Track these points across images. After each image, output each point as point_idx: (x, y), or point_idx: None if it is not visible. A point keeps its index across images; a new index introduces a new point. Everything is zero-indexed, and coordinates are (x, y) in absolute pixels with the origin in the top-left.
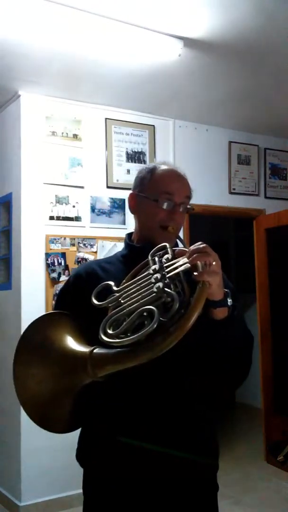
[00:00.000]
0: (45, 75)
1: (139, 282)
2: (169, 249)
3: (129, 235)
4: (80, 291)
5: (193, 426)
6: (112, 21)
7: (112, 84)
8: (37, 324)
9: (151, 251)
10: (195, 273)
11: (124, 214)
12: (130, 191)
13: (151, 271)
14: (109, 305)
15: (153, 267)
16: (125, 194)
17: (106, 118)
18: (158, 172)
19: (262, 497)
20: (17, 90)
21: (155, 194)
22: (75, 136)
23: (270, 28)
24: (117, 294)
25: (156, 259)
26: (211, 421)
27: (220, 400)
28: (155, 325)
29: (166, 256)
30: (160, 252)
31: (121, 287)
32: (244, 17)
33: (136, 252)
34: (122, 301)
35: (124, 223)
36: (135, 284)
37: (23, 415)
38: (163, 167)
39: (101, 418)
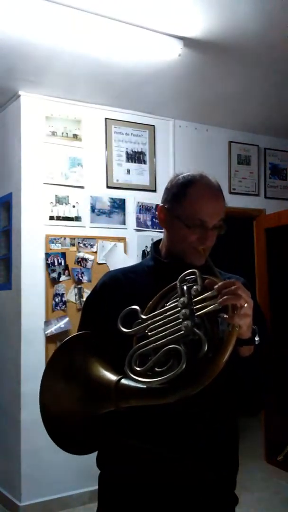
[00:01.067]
0: (45, 75)
1: (167, 314)
2: (198, 278)
3: (155, 244)
4: (106, 300)
5: (215, 442)
6: (112, 21)
7: (112, 84)
8: (64, 346)
9: (180, 277)
10: (225, 316)
11: (124, 214)
12: (160, 203)
13: (179, 304)
14: (136, 333)
15: (181, 299)
16: (125, 194)
17: (106, 118)
18: (192, 193)
19: (262, 497)
20: (17, 90)
21: (188, 219)
22: (75, 136)
23: (270, 28)
24: (144, 324)
25: (185, 288)
26: (232, 436)
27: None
28: (183, 366)
29: (195, 287)
30: (189, 278)
31: (148, 316)
32: (244, 17)
33: (162, 267)
34: (148, 333)
35: (124, 223)
36: (162, 316)
37: (23, 415)
38: (198, 184)
39: (120, 426)
